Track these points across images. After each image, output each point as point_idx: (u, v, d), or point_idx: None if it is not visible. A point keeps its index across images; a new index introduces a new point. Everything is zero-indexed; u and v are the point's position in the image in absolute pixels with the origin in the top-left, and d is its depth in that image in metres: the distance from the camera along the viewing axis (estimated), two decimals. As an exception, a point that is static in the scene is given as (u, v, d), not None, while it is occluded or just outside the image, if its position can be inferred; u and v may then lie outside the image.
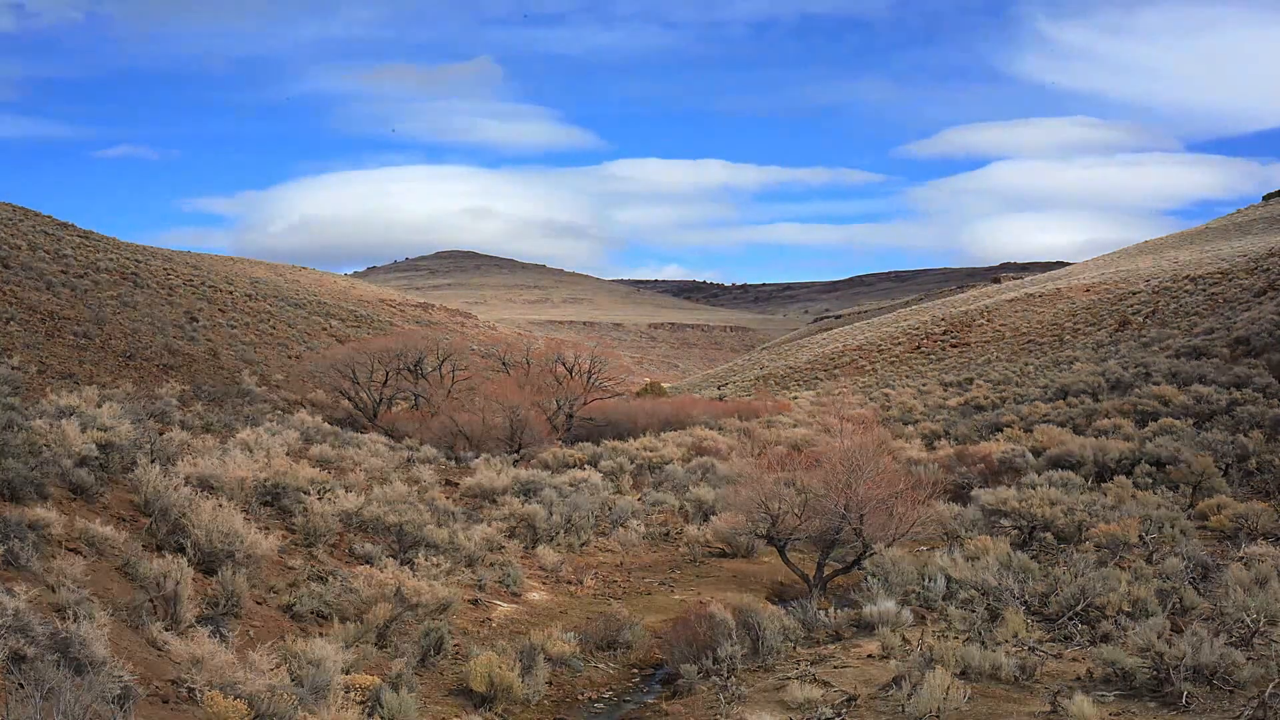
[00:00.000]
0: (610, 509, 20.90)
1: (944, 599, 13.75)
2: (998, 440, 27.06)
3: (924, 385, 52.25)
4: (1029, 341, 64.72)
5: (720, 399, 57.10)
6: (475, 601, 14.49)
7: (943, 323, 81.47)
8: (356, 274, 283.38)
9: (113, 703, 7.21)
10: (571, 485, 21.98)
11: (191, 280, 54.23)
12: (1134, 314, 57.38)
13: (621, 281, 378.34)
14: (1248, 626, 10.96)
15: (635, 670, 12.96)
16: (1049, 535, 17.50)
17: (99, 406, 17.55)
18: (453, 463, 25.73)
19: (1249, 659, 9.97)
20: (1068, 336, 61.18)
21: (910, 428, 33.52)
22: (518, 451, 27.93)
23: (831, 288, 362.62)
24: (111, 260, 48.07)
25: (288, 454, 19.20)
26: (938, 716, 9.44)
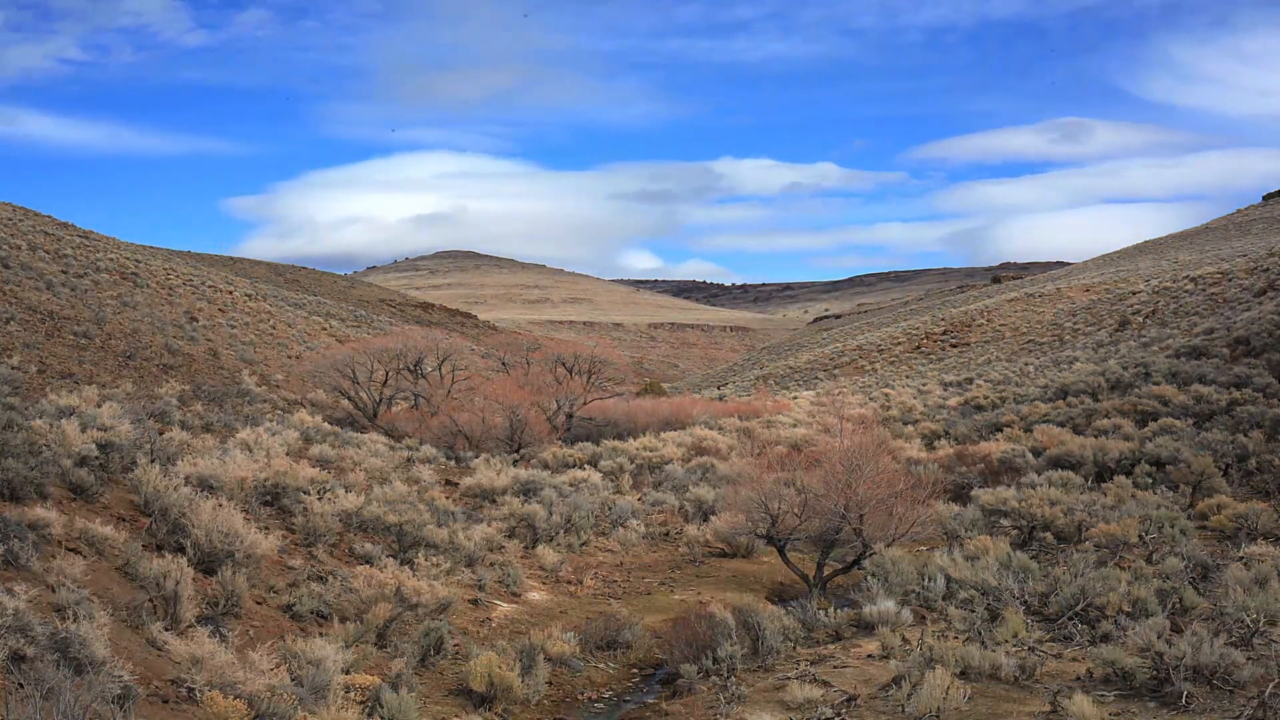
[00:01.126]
0: (610, 509, 20.90)
1: (944, 599, 13.75)
2: (998, 440, 27.05)
3: (924, 385, 52.24)
4: (1029, 341, 64.73)
5: (720, 399, 57.08)
6: (475, 601, 14.49)
7: (943, 323, 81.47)
8: (356, 274, 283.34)
9: (113, 703, 7.21)
10: (571, 485, 21.98)
11: (191, 280, 54.24)
12: (1134, 314, 57.36)
13: (621, 281, 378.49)
14: (1248, 626, 10.96)
15: (635, 670, 12.96)
16: (1049, 535, 17.50)
17: (99, 406, 17.57)
18: (453, 463, 25.73)
19: (1249, 659, 9.97)
20: (1068, 336, 61.18)
21: (910, 428, 33.51)
22: (518, 451, 27.93)
23: (832, 288, 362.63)
24: (111, 260, 48.07)
25: (288, 454, 19.19)
26: (938, 716, 9.44)
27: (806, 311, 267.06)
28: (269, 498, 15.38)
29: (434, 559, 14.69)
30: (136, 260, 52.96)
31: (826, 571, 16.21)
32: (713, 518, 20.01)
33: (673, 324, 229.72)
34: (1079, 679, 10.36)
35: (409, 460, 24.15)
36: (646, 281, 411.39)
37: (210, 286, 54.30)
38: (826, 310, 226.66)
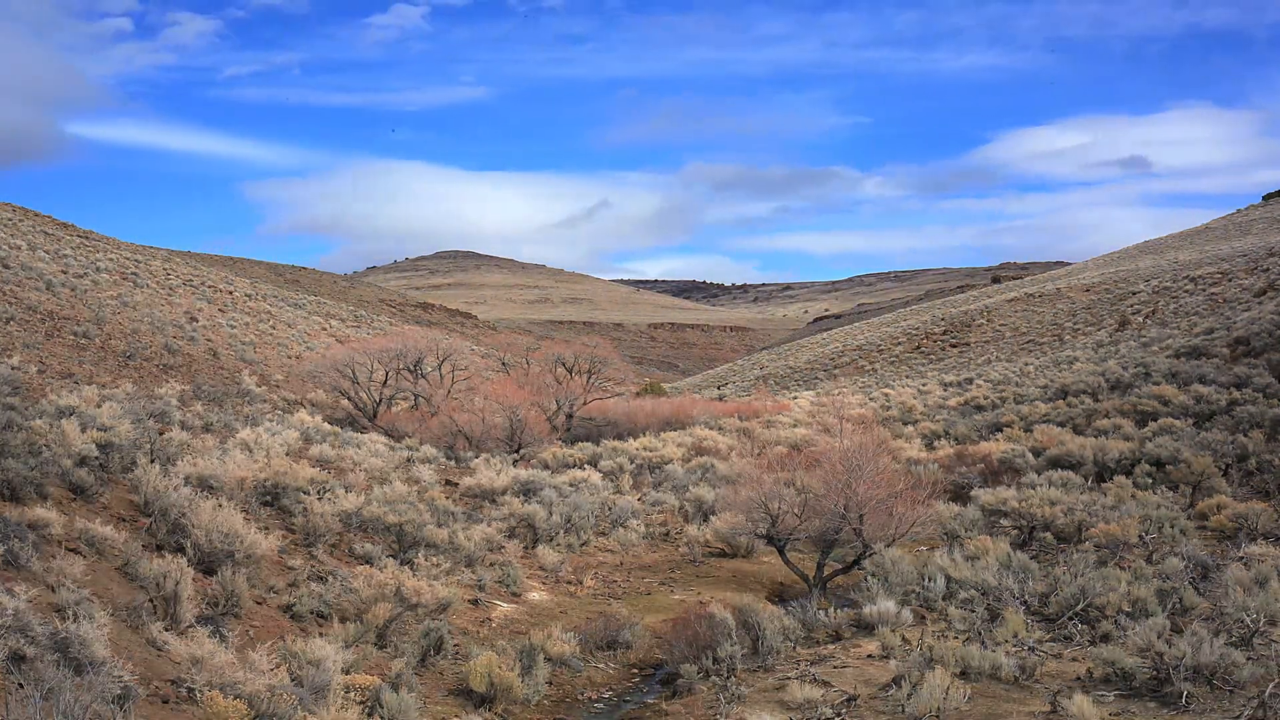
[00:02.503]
0: (610, 509, 20.89)
1: (944, 599, 13.75)
2: (998, 440, 27.05)
3: (924, 385, 52.24)
4: (1029, 341, 64.74)
5: (720, 399, 57.08)
6: (475, 601, 14.49)
7: (943, 323, 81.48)
8: (356, 274, 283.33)
9: (112, 703, 7.21)
10: (571, 485, 21.98)
11: (191, 280, 54.24)
12: (1134, 314, 57.37)
13: (621, 281, 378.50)
14: (1248, 626, 10.96)
15: (635, 670, 12.96)
16: (1049, 535, 17.50)
17: (99, 406, 17.57)
18: (453, 463, 25.72)
19: (1249, 659, 9.97)
20: (1068, 336, 61.19)
21: (910, 428, 33.51)
22: (518, 451, 27.92)
23: (832, 288, 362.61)
24: (111, 260, 48.07)
25: (288, 454, 19.20)
26: (938, 716, 9.44)
27: (806, 311, 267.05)
28: (269, 498, 15.38)
29: (434, 559, 14.69)
30: (136, 260, 52.96)
31: (826, 571, 16.21)
32: (713, 518, 20.00)
33: (673, 324, 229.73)
34: (1079, 679, 10.36)
35: (409, 460, 24.14)
36: (647, 281, 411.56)
37: (210, 286, 54.30)
38: (826, 310, 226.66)
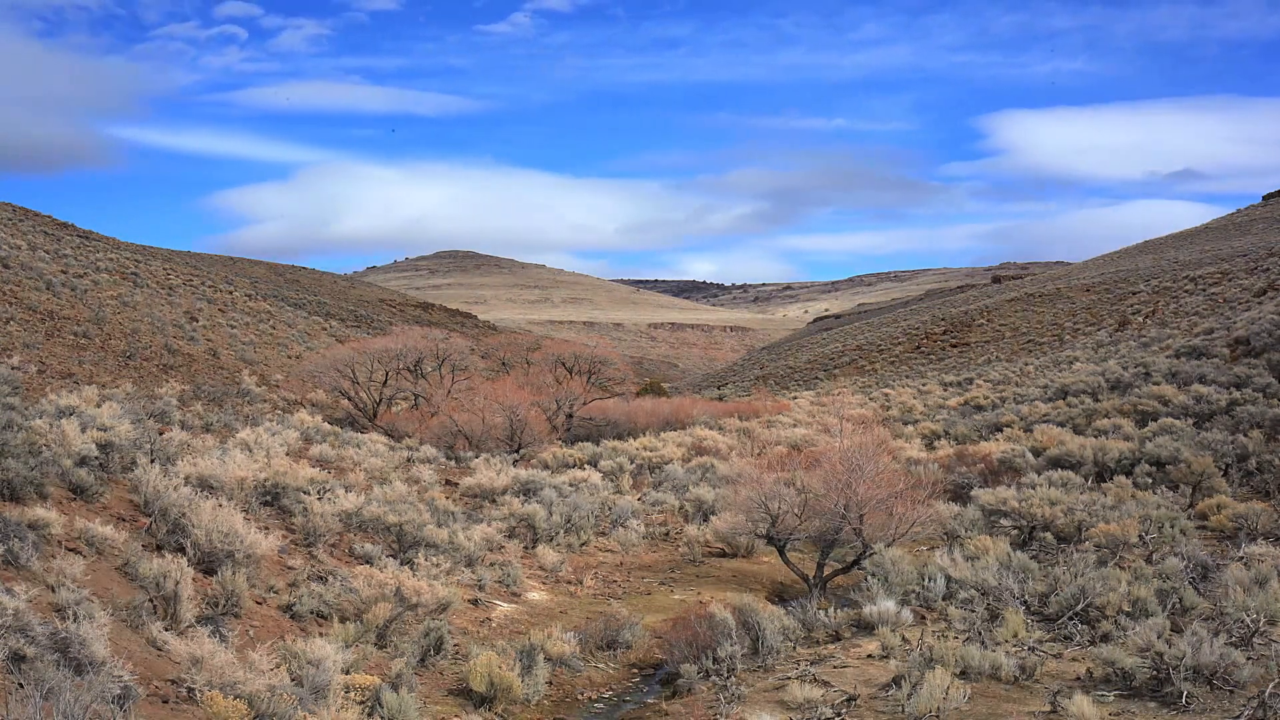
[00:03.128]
0: (610, 509, 20.89)
1: (944, 599, 13.75)
2: (998, 440, 27.06)
3: (924, 385, 52.26)
4: (1029, 341, 64.75)
5: (720, 399, 57.09)
6: (475, 601, 14.49)
7: (943, 323, 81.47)
8: (356, 273, 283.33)
9: (113, 703, 7.21)
10: (571, 485, 21.98)
11: (191, 280, 54.23)
12: (1134, 314, 57.37)
13: (622, 281, 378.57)
14: (1248, 626, 10.96)
15: (635, 670, 12.96)
16: (1049, 535, 17.49)
17: (99, 406, 17.57)
18: (453, 463, 25.73)
19: (1249, 659, 9.96)
20: (1068, 336, 61.20)
21: (910, 428, 33.53)
22: (517, 451, 27.93)
23: (832, 288, 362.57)
24: (111, 260, 48.06)
25: (288, 454, 19.20)
26: (938, 716, 9.44)
27: (806, 311, 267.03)
28: (269, 498, 15.38)
29: (434, 559, 14.69)
30: (136, 260, 52.95)
31: (826, 571, 16.21)
32: (713, 518, 20.01)
33: (673, 324, 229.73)
34: (1079, 679, 10.36)
35: (409, 460, 24.16)
36: (647, 281, 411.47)
37: (210, 286, 54.29)
38: (826, 310, 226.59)
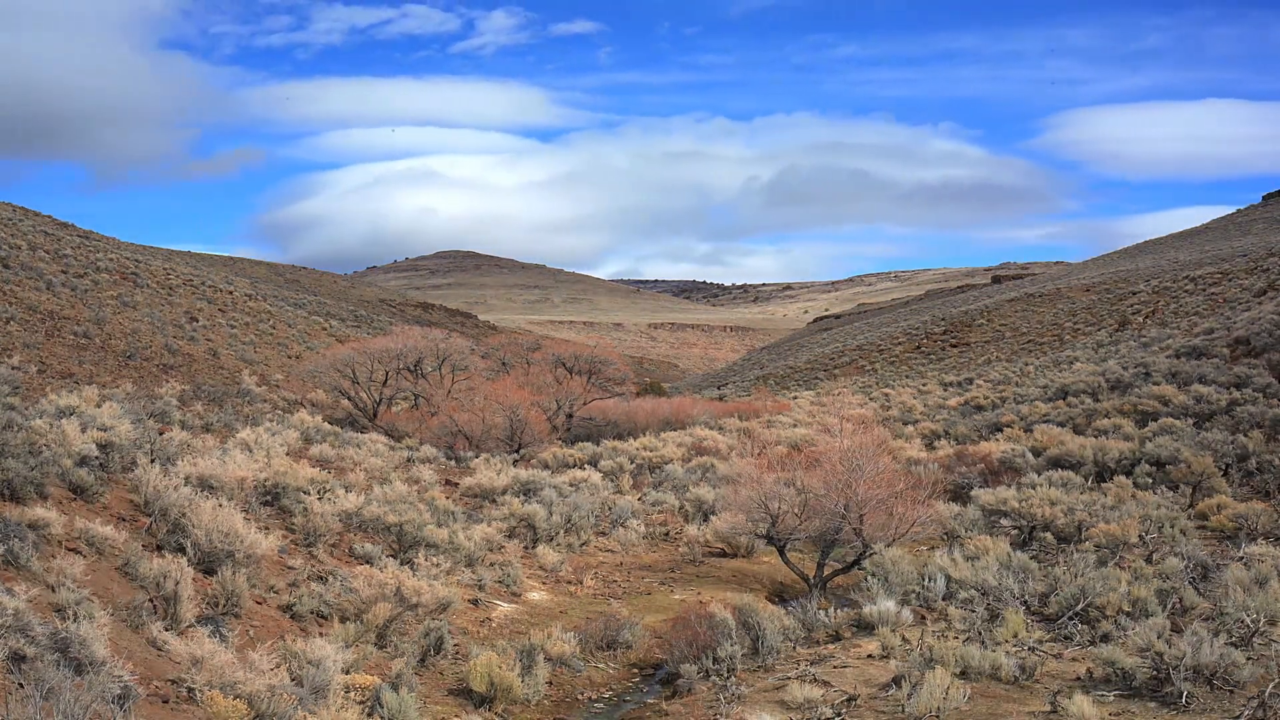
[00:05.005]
0: (610, 509, 20.89)
1: (944, 599, 13.75)
2: (998, 440, 27.05)
3: (924, 385, 52.27)
4: (1029, 341, 64.74)
5: (720, 399, 57.09)
6: (475, 601, 14.49)
7: (943, 323, 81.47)
8: (356, 274, 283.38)
9: (113, 703, 7.21)
10: (571, 485, 21.98)
11: (191, 280, 54.23)
12: (1134, 314, 57.37)
13: (622, 281, 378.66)
14: (1248, 626, 10.96)
15: (635, 670, 12.96)
16: (1049, 535, 17.49)
17: (99, 406, 17.57)
18: (453, 463, 25.72)
19: (1249, 659, 9.96)
20: (1068, 336, 61.19)
21: (910, 428, 33.53)
22: (518, 451, 27.92)
23: (831, 288, 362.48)
24: (111, 260, 48.05)
25: (288, 454, 19.19)
26: (938, 716, 9.44)
27: (806, 311, 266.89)
28: (269, 498, 15.38)
29: (434, 559, 14.68)
30: (136, 260, 52.95)
31: (826, 571, 16.21)
32: (713, 518, 20.00)
33: (673, 324, 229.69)
34: (1079, 679, 10.36)
35: (409, 460, 24.15)
36: (647, 281, 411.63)
37: (210, 286, 54.29)
38: (826, 310, 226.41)
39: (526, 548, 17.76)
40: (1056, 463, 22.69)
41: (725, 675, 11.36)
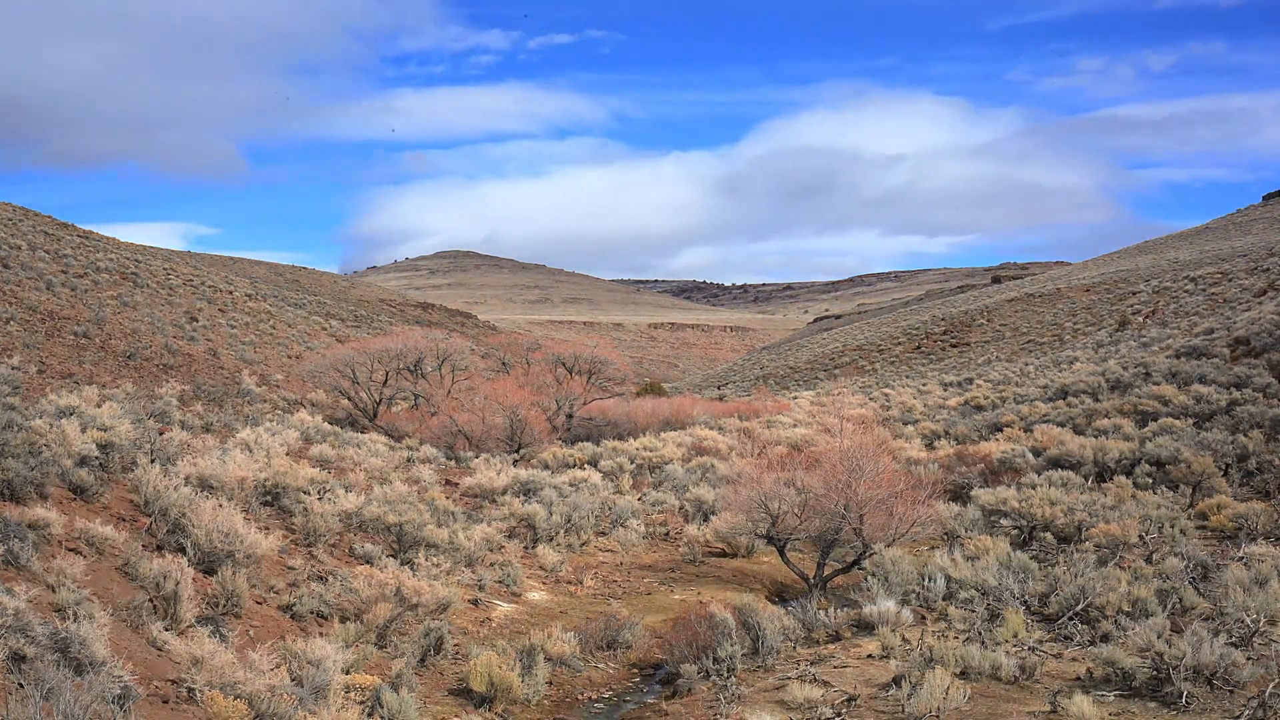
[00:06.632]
0: (610, 509, 20.89)
1: (944, 599, 13.74)
2: (998, 440, 27.03)
3: (924, 385, 52.26)
4: (1029, 341, 64.75)
5: (720, 399, 57.09)
6: (475, 601, 14.49)
7: (943, 323, 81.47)
8: (356, 274, 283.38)
9: (113, 703, 7.21)
10: (571, 485, 21.97)
11: (191, 280, 54.22)
12: (1134, 314, 57.38)
13: (622, 281, 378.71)
14: (1248, 626, 10.96)
15: (635, 670, 12.96)
16: (1049, 535, 17.49)
17: (99, 406, 17.57)
18: (453, 463, 25.72)
19: (1249, 659, 9.96)
20: (1068, 336, 61.21)
21: (910, 428, 33.51)
22: (518, 451, 27.92)
23: (831, 288, 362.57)
24: (111, 260, 48.05)
25: (288, 454, 19.19)
26: (938, 716, 9.44)
27: (806, 311, 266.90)
28: (269, 498, 15.38)
29: (434, 559, 14.69)
30: (136, 260, 52.94)
31: (826, 571, 16.21)
32: (713, 518, 20.00)
33: (673, 324, 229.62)
34: (1079, 679, 10.36)
35: (409, 460, 24.15)
36: (647, 281, 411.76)
37: (210, 286, 54.29)
38: (826, 310, 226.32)
39: (526, 548, 17.77)
40: (1056, 463, 22.69)
41: (725, 675, 11.35)
